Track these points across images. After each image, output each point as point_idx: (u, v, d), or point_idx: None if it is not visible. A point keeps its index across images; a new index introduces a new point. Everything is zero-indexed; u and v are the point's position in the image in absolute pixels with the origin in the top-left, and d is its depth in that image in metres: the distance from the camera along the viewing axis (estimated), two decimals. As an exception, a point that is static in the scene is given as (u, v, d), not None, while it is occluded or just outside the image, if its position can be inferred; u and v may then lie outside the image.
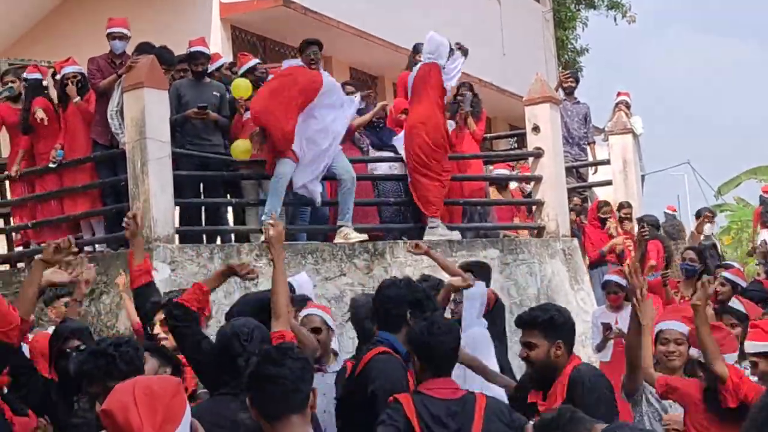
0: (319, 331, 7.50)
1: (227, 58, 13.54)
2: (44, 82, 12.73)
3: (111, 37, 12.12)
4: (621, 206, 14.80)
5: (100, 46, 12.32)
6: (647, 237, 12.49)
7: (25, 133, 12.29)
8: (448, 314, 8.47)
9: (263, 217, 11.48)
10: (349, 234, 12.12)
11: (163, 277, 10.65)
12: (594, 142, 16.49)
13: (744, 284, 10.77)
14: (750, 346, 6.56)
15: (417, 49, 13.57)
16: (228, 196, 12.46)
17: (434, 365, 5.75)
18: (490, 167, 15.52)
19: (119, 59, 11.97)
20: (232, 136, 12.40)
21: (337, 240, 12.12)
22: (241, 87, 12.42)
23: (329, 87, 11.93)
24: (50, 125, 12.17)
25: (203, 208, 12.32)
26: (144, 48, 11.95)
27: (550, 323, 6.16)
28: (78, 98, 12.04)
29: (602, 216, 14.62)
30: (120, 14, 12.81)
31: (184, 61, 12.31)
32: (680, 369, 7.07)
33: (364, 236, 12.27)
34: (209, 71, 12.46)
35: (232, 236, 12.40)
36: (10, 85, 12.90)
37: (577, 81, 16.86)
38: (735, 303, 9.11)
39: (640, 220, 13.74)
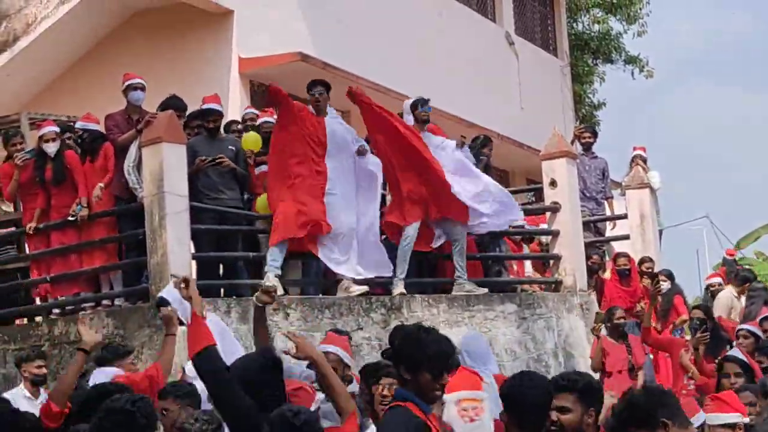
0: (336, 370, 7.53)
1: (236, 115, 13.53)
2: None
3: (131, 88, 12.18)
4: (642, 261, 14.76)
5: (117, 102, 12.42)
6: (661, 291, 12.57)
7: (56, 185, 12.27)
8: None
9: (265, 268, 11.64)
10: (350, 287, 12.11)
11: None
12: (612, 197, 16.47)
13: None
14: (713, 418, 6.44)
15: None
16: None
17: (520, 419, 5.62)
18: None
19: (136, 115, 12.03)
20: (250, 190, 12.49)
21: (339, 294, 12.10)
22: (250, 140, 12.50)
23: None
24: (67, 181, 12.21)
25: (221, 262, 12.34)
26: (166, 103, 12.10)
27: (589, 388, 5.93)
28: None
29: (619, 268, 14.56)
30: (138, 70, 12.90)
31: (197, 118, 12.36)
32: None
33: (365, 288, 12.25)
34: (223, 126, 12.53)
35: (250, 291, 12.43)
36: (28, 149, 12.86)
37: (595, 135, 16.86)
38: (737, 353, 9.11)
39: (654, 275, 13.73)
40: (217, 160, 11.91)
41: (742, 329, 10.88)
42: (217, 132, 12.33)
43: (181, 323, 8.00)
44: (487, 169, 14.22)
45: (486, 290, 12.97)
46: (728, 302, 14.96)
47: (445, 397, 6.80)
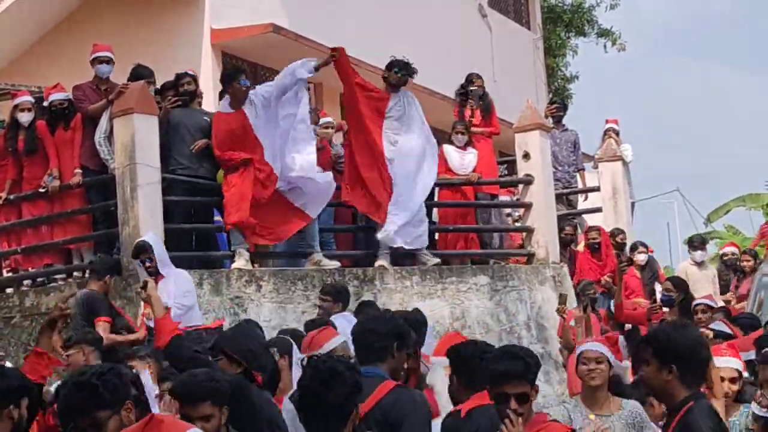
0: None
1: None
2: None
3: (98, 61, 12.13)
4: (613, 233, 14.75)
5: (88, 74, 12.32)
6: (625, 270, 12.73)
7: (28, 155, 12.19)
8: None
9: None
10: (321, 261, 12.10)
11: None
12: (583, 169, 16.47)
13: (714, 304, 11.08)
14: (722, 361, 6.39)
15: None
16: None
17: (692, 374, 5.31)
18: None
19: (105, 85, 11.98)
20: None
21: (308, 266, 12.08)
22: None
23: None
24: (39, 151, 12.13)
25: (193, 233, 12.29)
26: (134, 73, 12.02)
27: None
28: None
29: (591, 241, 14.56)
30: (110, 41, 12.82)
31: (171, 88, 12.27)
32: (603, 386, 7.35)
33: (337, 263, 12.23)
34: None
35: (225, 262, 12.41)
36: None
37: (565, 108, 16.85)
38: (721, 326, 9.12)
39: (631, 248, 13.76)
40: (196, 145, 11.81)
41: (699, 303, 10.98)
42: (192, 97, 12.25)
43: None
44: (483, 99, 14.75)
45: (438, 260, 13.01)
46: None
47: (434, 359, 6.90)
